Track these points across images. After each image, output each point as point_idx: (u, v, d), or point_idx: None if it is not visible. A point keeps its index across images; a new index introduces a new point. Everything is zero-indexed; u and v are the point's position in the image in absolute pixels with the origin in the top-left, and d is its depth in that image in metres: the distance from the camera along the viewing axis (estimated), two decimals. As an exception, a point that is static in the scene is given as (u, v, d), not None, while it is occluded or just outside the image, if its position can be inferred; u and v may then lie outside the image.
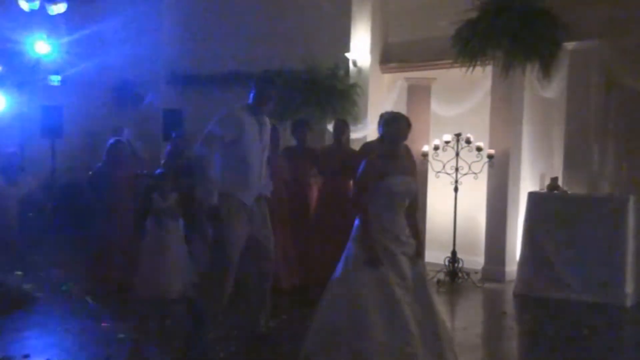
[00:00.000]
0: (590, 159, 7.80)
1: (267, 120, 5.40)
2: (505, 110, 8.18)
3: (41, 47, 10.71)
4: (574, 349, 5.68)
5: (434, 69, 8.87)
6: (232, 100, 7.04)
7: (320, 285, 7.14)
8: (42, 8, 10.25)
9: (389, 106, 9.03)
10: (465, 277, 8.06)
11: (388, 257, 4.61)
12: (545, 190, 7.82)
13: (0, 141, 9.43)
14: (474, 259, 8.42)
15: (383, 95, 9.45)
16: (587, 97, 7.81)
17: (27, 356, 5.07)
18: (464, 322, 6.53)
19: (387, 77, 9.59)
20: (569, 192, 7.70)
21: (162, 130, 10.50)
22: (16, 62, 10.82)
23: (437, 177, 8.29)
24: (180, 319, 6.18)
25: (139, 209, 7.21)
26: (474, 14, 7.85)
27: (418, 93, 8.93)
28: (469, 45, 7.87)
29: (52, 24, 10.87)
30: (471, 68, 7.96)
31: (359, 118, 9.06)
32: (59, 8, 10.33)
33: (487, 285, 7.97)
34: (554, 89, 8.06)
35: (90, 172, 7.72)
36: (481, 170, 8.04)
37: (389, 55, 9.57)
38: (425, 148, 8.25)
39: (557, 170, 8.05)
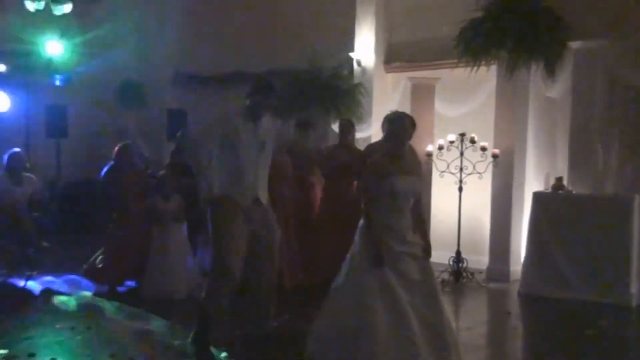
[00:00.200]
0: (595, 159, 7.78)
1: (268, 122, 5.27)
2: (509, 110, 8.17)
3: (53, 47, 10.74)
4: (578, 349, 5.67)
5: (438, 68, 8.86)
6: (236, 100, 7.03)
7: (323, 285, 7.16)
8: (48, 8, 10.27)
9: (393, 106, 9.01)
10: (470, 277, 8.05)
11: (391, 257, 4.60)
12: (550, 190, 7.81)
13: (6, 141, 9.44)
14: (479, 259, 8.41)
15: (387, 95, 9.44)
16: (592, 96, 7.79)
17: (32, 355, 5.08)
18: (468, 322, 6.53)
19: (391, 76, 9.59)
20: (573, 192, 7.68)
21: (167, 130, 10.53)
22: (22, 62, 10.85)
23: (442, 177, 8.28)
24: (186, 319, 6.19)
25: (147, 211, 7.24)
26: (478, 14, 7.84)
27: (422, 93, 8.93)
28: (473, 44, 7.86)
29: (58, 24, 10.89)
30: (475, 68, 7.94)
31: (362, 118, 9.07)
32: (65, 8, 10.35)
33: (491, 285, 7.96)
34: (559, 89, 8.05)
35: (100, 174, 7.73)
36: (485, 170, 8.02)
37: (393, 55, 9.57)
38: (430, 148, 8.24)
39: (562, 170, 8.03)
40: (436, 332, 4.53)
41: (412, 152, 5.16)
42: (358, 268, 4.70)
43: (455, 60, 8.12)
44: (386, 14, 9.55)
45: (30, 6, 10.15)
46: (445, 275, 7.94)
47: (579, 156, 7.86)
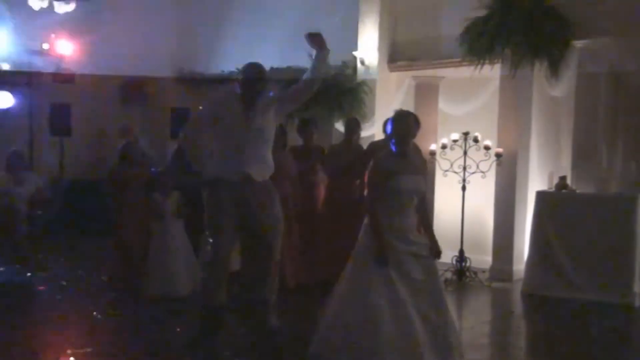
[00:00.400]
0: (599, 158, 7.76)
1: (264, 104, 5.21)
2: (513, 109, 8.15)
3: (57, 46, 10.76)
4: (581, 348, 5.66)
5: (442, 67, 8.85)
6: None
7: (326, 284, 7.17)
8: (52, 6, 10.29)
9: (396, 105, 9.03)
10: (473, 276, 8.04)
11: (395, 257, 4.59)
12: (553, 189, 7.79)
13: (10, 139, 9.46)
14: (482, 258, 8.40)
15: (391, 94, 9.43)
16: (596, 95, 7.77)
17: (35, 354, 5.09)
18: (471, 321, 6.52)
19: (395, 75, 9.58)
20: (577, 191, 7.67)
21: (170, 129, 10.54)
22: (26, 61, 10.87)
23: (445, 176, 8.27)
24: (189, 317, 6.21)
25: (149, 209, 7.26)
26: (482, 12, 7.82)
27: (426, 91, 8.93)
28: (477, 43, 7.85)
29: (62, 23, 10.91)
30: (479, 67, 7.94)
31: (366, 117, 9.06)
32: (68, 7, 10.36)
33: (494, 284, 7.95)
34: (563, 88, 8.03)
35: (107, 172, 7.74)
36: (489, 169, 8.01)
37: (397, 54, 9.55)
38: (433, 147, 8.24)
39: (566, 169, 8.01)
40: (440, 333, 4.52)
41: (417, 150, 5.13)
42: (362, 267, 4.69)
43: (459, 59, 8.12)
44: (390, 12, 9.54)
45: (35, 4, 10.18)
46: (449, 274, 7.93)
47: (582, 155, 7.84)
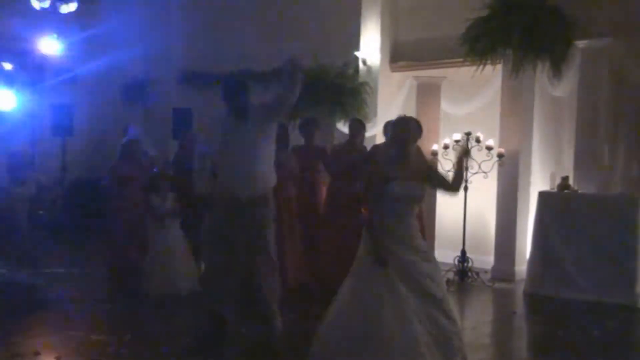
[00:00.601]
0: (601, 158, 7.76)
1: (253, 117, 5.19)
2: (515, 109, 8.15)
3: (59, 46, 10.76)
4: (583, 349, 5.65)
5: (443, 67, 8.85)
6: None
7: (328, 284, 7.16)
8: (54, 7, 10.29)
9: (398, 105, 9.05)
10: (475, 276, 8.04)
11: (395, 262, 4.56)
12: (555, 189, 7.78)
13: (11, 139, 9.47)
14: (484, 258, 8.40)
15: (392, 94, 9.43)
16: (598, 95, 7.77)
17: (37, 354, 5.09)
18: (473, 322, 6.51)
19: (397, 75, 9.57)
20: (579, 191, 7.66)
21: (172, 129, 10.55)
22: (28, 61, 10.88)
23: (447, 176, 8.25)
24: (190, 316, 6.22)
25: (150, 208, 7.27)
26: (484, 12, 7.82)
27: (428, 92, 8.92)
28: (479, 43, 7.85)
29: (63, 23, 10.92)
30: (481, 66, 7.94)
31: (368, 117, 9.05)
32: (70, 7, 10.37)
33: (496, 284, 7.94)
34: (565, 88, 8.03)
35: (108, 171, 7.75)
36: (491, 170, 8.01)
37: (399, 54, 9.55)
38: (435, 147, 8.24)
39: (568, 169, 8.01)
40: (443, 337, 4.49)
41: (419, 155, 5.04)
42: (364, 272, 4.67)
43: (461, 59, 8.12)
44: (392, 12, 9.54)
45: (37, 5, 10.19)
46: (451, 275, 7.92)
47: (584, 155, 7.84)
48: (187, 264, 7.19)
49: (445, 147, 8.16)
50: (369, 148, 7.93)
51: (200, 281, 5.63)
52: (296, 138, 8.15)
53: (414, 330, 4.40)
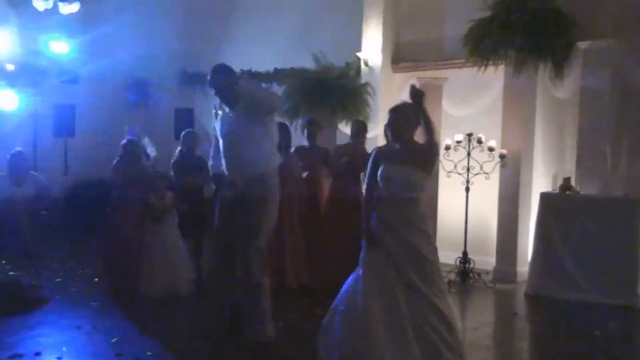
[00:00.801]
0: (603, 160, 7.74)
1: (241, 107, 5.30)
2: (517, 110, 8.14)
3: (57, 46, 10.76)
4: (585, 350, 5.64)
5: (445, 68, 8.84)
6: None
7: (328, 285, 7.15)
8: (56, 7, 10.29)
9: (400, 106, 9.02)
10: (477, 277, 8.03)
11: (390, 255, 4.56)
12: (557, 190, 7.77)
13: (14, 140, 9.47)
14: (485, 260, 8.38)
15: (394, 95, 9.39)
16: (600, 97, 7.75)
17: (38, 354, 5.10)
18: (475, 323, 6.50)
19: (399, 76, 9.57)
20: (581, 193, 7.65)
21: (174, 129, 10.56)
22: (30, 61, 10.88)
23: (449, 177, 8.26)
24: (189, 316, 6.22)
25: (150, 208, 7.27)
26: (486, 13, 7.81)
27: (430, 93, 8.82)
28: (481, 44, 7.84)
29: (65, 24, 10.92)
30: (483, 68, 7.93)
31: (369, 118, 9.05)
32: (72, 8, 10.37)
33: (498, 285, 7.93)
34: (567, 89, 8.02)
35: (111, 170, 7.75)
36: (493, 170, 8.00)
37: (401, 55, 9.55)
38: (437, 148, 8.21)
39: (570, 170, 7.99)
40: (438, 338, 4.45)
41: (420, 145, 4.90)
42: (362, 271, 4.66)
43: (463, 60, 8.11)
44: (393, 13, 9.53)
45: (39, 5, 10.18)
46: (452, 276, 7.91)
47: (587, 157, 7.82)
48: (185, 264, 7.19)
49: (447, 148, 8.15)
50: (370, 149, 7.92)
51: (208, 271, 5.69)
52: (298, 139, 8.16)
53: (406, 341, 4.37)
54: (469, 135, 8.01)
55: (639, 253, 6.98)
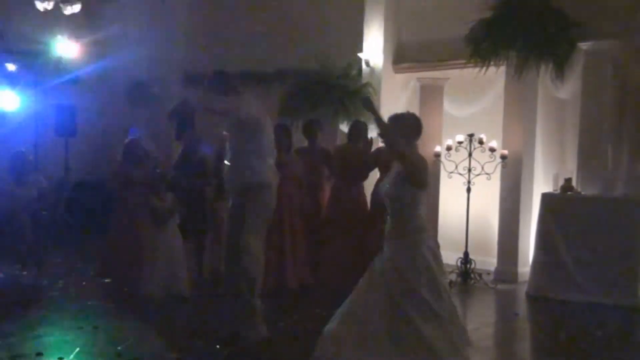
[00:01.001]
0: (604, 160, 7.74)
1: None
2: (518, 111, 8.14)
3: (62, 47, 10.76)
4: (586, 351, 5.64)
5: (447, 69, 8.84)
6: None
7: (329, 286, 7.15)
8: (58, 8, 10.30)
9: (401, 106, 9.03)
10: (478, 278, 8.03)
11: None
12: (558, 191, 7.77)
13: (14, 140, 9.47)
14: (487, 260, 8.38)
15: (396, 96, 9.42)
16: (602, 97, 7.75)
17: (40, 354, 5.09)
18: (476, 323, 6.49)
19: (400, 77, 9.56)
20: (582, 193, 7.64)
21: (175, 130, 10.53)
22: (31, 62, 10.88)
23: (450, 177, 8.26)
24: (190, 316, 6.22)
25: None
26: (487, 14, 7.81)
27: (431, 93, 8.91)
28: (483, 45, 7.85)
29: (67, 24, 10.92)
30: (484, 68, 7.93)
31: (371, 118, 9.04)
32: (74, 8, 10.38)
33: (499, 286, 7.93)
34: (568, 90, 8.02)
35: (112, 171, 7.76)
36: (494, 171, 8.00)
37: (402, 55, 9.55)
38: (438, 148, 8.22)
39: (571, 171, 7.99)
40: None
41: (415, 156, 4.84)
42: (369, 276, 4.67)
43: (464, 61, 8.11)
44: (395, 14, 9.52)
45: (40, 6, 10.19)
46: (453, 276, 7.91)
47: (588, 157, 7.82)
48: (185, 264, 7.20)
49: (448, 148, 8.16)
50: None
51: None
52: (299, 139, 8.16)
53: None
54: (470, 135, 8.01)
55: (640, 254, 6.98)
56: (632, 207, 7.14)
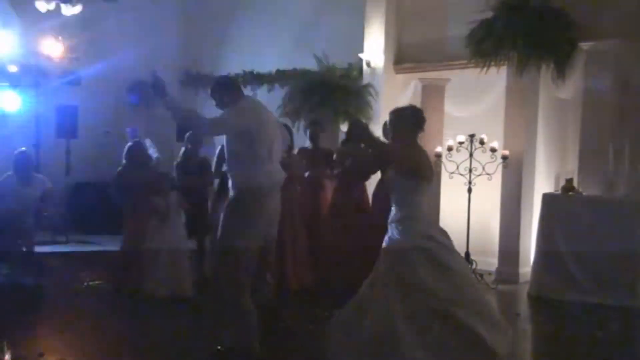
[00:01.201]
0: (605, 160, 7.72)
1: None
2: (519, 111, 8.13)
3: (63, 47, 10.78)
4: (588, 351, 5.64)
5: (448, 69, 8.84)
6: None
7: (330, 286, 7.14)
8: (58, 8, 10.31)
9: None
10: (479, 278, 8.01)
11: None
12: (559, 191, 7.77)
13: (16, 141, 9.48)
14: (488, 261, 8.38)
15: (397, 96, 9.42)
16: (603, 97, 7.75)
17: (41, 355, 5.09)
18: (477, 324, 6.49)
19: (401, 77, 9.57)
20: (584, 194, 7.64)
21: (176, 130, 10.56)
22: (32, 63, 10.90)
23: (451, 178, 8.26)
24: (193, 317, 6.22)
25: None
26: (488, 14, 7.81)
27: (432, 93, 8.92)
28: (484, 45, 7.84)
29: (68, 25, 10.93)
30: (485, 68, 7.93)
31: (372, 119, 9.05)
32: (74, 9, 10.39)
33: (500, 286, 7.92)
34: (569, 90, 8.02)
35: (115, 174, 7.75)
36: (495, 171, 8.00)
37: (403, 56, 9.54)
38: (439, 149, 8.22)
39: (572, 171, 7.99)
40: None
41: (410, 149, 4.90)
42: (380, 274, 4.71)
43: (465, 61, 8.11)
44: (396, 14, 9.52)
45: (42, 7, 10.20)
46: (454, 277, 7.90)
47: (589, 157, 7.82)
48: (190, 264, 7.20)
49: (449, 149, 8.16)
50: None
51: None
52: (301, 140, 8.16)
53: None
54: (471, 136, 8.01)
55: (641, 254, 6.98)
56: (633, 207, 7.13)
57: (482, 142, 7.96)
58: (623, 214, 7.14)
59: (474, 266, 8.08)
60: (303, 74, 9.52)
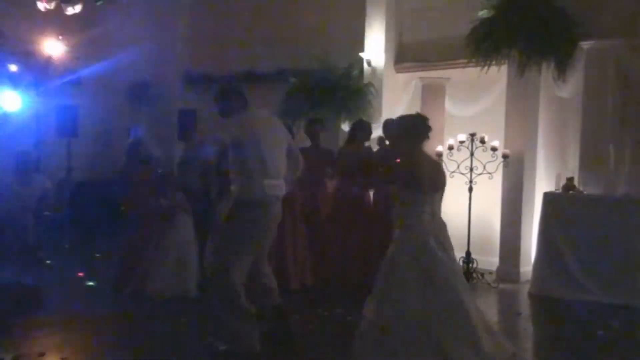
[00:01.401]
0: (606, 159, 7.73)
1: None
2: (520, 110, 8.13)
3: (64, 47, 10.78)
4: (589, 350, 5.64)
5: (448, 68, 8.84)
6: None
7: (331, 286, 7.14)
8: (60, 8, 10.31)
9: (403, 106, 9.05)
10: (480, 277, 8.02)
11: None
12: (560, 190, 7.77)
13: (16, 141, 9.49)
14: (489, 260, 8.38)
15: (397, 95, 9.42)
16: (604, 96, 7.75)
17: (42, 354, 5.09)
18: (478, 323, 6.48)
19: (402, 76, 9.56)
20: (584, 193, 7.64)
21: (178, 130, 10.57)
22: (33, 62, 10.90)
23: (452, 177, 8.24)
24: (197, 317, 6.22)
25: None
26: (489, 13, 7.81)
27: (432, 92, 8.90)
28: (484, 44, 7.84)
29: (69, 24, 10.93)
30: (486, 67, 7.92)
31: (373, 118, 9.05)
32: (75, 9, 10.39)
33: (501, 285, 7.92)
34: (570, 89, 8.01)
35: (116, 173, 7.75)
36: (496, 170, 7.99)
37: (404, 55, 9.54)
38: (440, 148, 8.22)
39: (573, 170, 7.99)
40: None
41: (409, 160, 4.92)
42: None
43: (466, 60, 8.10)
44: (396, 13, 9.52)
45: (42, 6, 10.20)
46: (455, 276, 7.90)
47: (590, 156, 7.81)
48: (195, 265, 7.18)
49: (450, 148, 8.15)
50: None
51: None
52: (301, 139, 8.15)
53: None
54: (472, 135, 8.01)
55: (642, 253, 6.97)
56: (634, 206, 7.14)
57: (482, 141, 7.96)
58: (624, 212, 7.14)
59: (474, 265, 8.09)
60: (304, 73, 9.51)
